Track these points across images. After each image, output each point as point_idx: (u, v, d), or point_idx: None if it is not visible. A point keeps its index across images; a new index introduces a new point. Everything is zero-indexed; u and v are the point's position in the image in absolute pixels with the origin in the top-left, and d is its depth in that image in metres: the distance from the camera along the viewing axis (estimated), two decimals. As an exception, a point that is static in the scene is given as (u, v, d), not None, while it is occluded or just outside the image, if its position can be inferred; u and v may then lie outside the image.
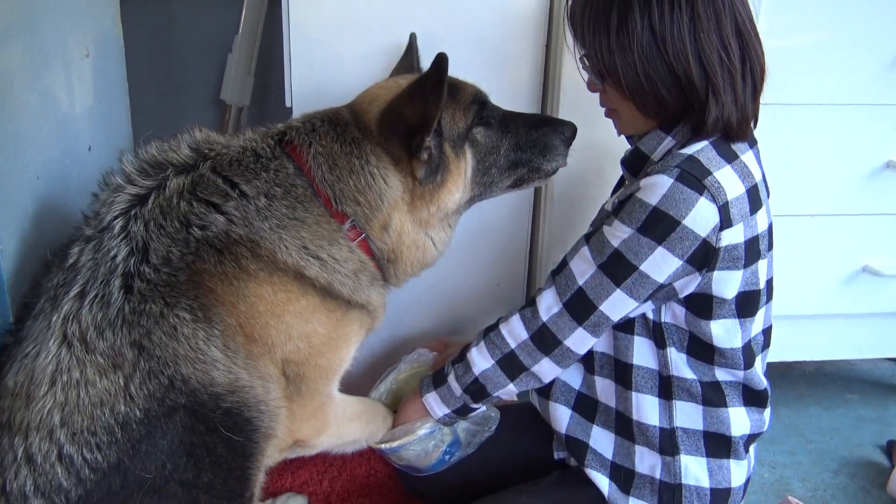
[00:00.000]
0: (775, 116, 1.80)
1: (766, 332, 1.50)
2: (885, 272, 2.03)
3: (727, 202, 1.27)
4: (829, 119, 1.90)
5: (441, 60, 1.31)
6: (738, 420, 1.45)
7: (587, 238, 1.40)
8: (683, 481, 1.44)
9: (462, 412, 1.54)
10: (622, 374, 1.47)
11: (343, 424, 1.52)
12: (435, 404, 1.54)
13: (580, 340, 1.40)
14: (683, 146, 1.34)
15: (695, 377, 1.43)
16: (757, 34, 1.35)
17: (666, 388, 1.44)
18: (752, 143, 1.41)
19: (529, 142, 1.52)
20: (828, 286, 2.07)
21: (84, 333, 1.19)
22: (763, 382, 1.46)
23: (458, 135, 1.45)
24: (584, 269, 1.37)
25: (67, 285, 1.23)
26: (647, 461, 1.46)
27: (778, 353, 2.05)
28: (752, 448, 1.52)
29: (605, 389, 1.51)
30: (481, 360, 1.48)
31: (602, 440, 1.52)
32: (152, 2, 2.71)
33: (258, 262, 1.30)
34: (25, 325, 1.25)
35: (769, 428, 1.51)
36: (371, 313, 1.47)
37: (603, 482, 1.50)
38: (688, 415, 1.44)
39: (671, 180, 1.27)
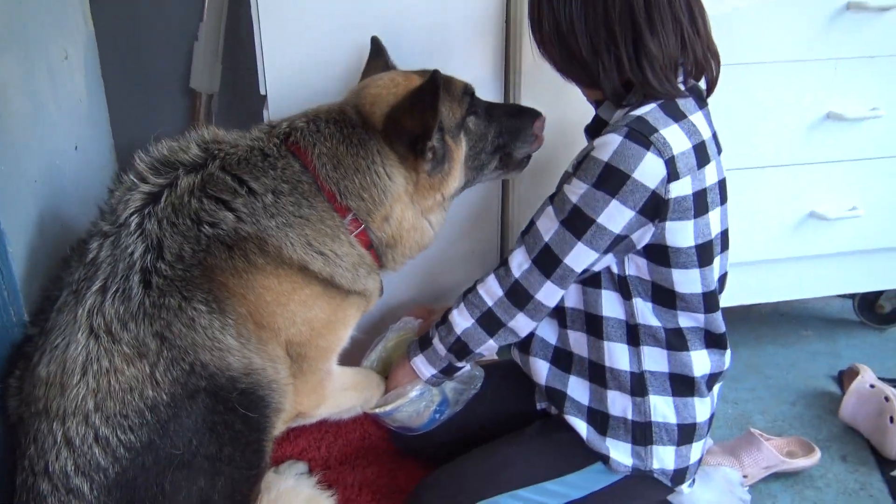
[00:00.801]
0: (722, 77, 1.86)
1: (721, 280, 1.57)
2: (830, 216, 2.10)
3: (673, 156, 1.34)
4: (772, 76, 1.95)
5: (435, 77, 1.41)
6: (700, 362, 1.52)
7: (551, 198, 1.47)
8: (653, 419, 1.52)
9: (448, 371, 1.62)
10: (593, 325, 1.54)
11: (340, 395, 1.59)
12: (422, 366, 1.61)
13: (549, 293, 1.47)
14: (634, 110, 1.41)
15: (660, 324, 1.50)
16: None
17: (633, 335, 1.51)
18: (703, 105, 1.48)
19: (509, 128, 1.63)
20: (779, 232, 2.14)
21: (109, 325, 1.25)
22: (722, 326, 1.53)
23: (456, 125, 1.55)
24: (548, 226, 1.44)
25: (89, 280, 1.28)
26: (619, 404, 1.53)
27: (737, 296, 2.12)
28: (715, 387, 1.59)
29: (577, 341, 1.58)
30: (462, 321, 1.55)
31: (578, 388, 1.59)
32: (115, -5, 2.68)
33: (265, 257, 1.36)
34: (50, 318, 1.30)
35: (730, 368, 1.58)
36: (367, 298, 1.55)
37: (581, 426, 1.56)
38: (654, 359, 1.51)
39: (620, 138, 1.34)
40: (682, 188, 1.37)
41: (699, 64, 1.47)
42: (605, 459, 1.55)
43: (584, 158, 1.40)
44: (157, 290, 1.28)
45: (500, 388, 1.76)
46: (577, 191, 1.39)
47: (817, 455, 1.92)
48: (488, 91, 1.94)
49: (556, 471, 1.57)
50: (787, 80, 1.97)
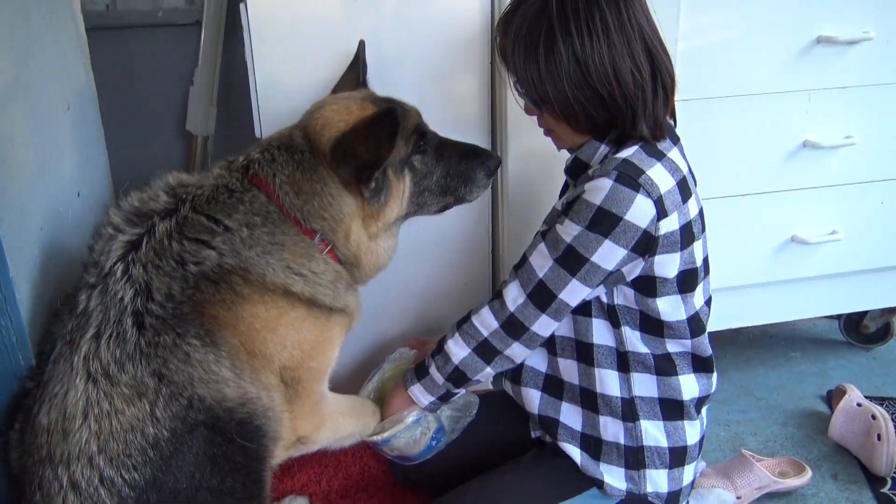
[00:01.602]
0: (701, 110, 1.92)
1: (707, 303, 1.61)
2: (811, 240, 2.14)
3: (661, 196, 1.40)
4: (748, 108, 2.00)
5: (393, 113, 1.43)
6: (688, 386, 1.56)
7: (543, 235, 1.50)
8: (644, 443, 1.55)
9: (445, 398, 1.64)
10: (584, 353, 1.57)
11: (337, 419, 1.61)
12: (420, 394, 1.64)
13: (545, 325, 1.51)
14: (617, 151, 1.46)
15: (648, 351, 1.53)
16: (664, 49, 1.47)
17: (623, 362, 1.55)
18: (676, 140, 1.54)
19: (458, 172, 1.64)
20: (763, 257, 2.17)
21: (106, 369, 1.27)
22: (709, 350, 1.57)
23: (400, 161, 1.56)
24: (542, 263, 1.48)
25: (82, 329, 1.31)
26: (611, 429, 1.56)
27: (725, 320, 2.17)
28: (704, 409, 1.63)
29: (568, 369, 1.61)
30: (458, 350, 1.57)
31: (571, 415, 1.61)
32: (109, 42, 2.72)
33: (250, 286, 1.39)
34: (46, 370, 1.31)
35: (718, 390, 1.60)
36: (349, 315, 1.58)
37: (575, 452, 1.59)
38: (644, 384, 1.55)
39: (611, 182, 1.39)
40: (670, 224, 1.43)
41: (671, 105, 1.53)
42: (599, 484, 1.58)
43: (575, 200, 1.44)
44: (152, 330, 1.30)
45: (495, 418, 1.78)
46: (570, 232, 1.43)
47: (808, 474, 1.95)
48: (474, 109, 1.97)
49: (554, 497, 1.59)
50: (765, 111, 2.02)
